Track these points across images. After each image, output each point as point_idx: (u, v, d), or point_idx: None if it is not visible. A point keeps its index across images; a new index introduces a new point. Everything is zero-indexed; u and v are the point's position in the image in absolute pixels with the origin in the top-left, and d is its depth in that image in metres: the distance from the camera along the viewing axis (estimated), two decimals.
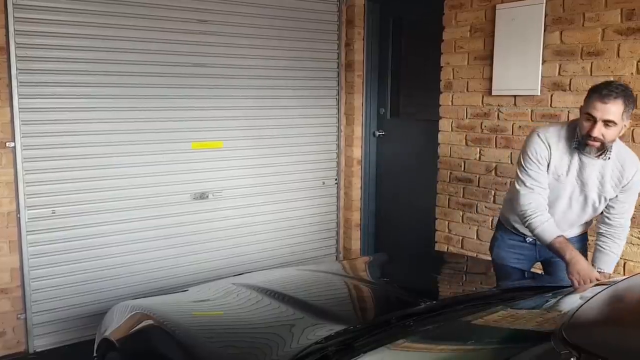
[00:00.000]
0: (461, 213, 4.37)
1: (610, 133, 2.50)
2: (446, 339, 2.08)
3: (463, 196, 4.34)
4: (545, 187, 2.69)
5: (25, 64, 3.61)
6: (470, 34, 4.14)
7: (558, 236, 2.63)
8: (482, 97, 4.12)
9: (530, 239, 2.89)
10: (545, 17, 3.69)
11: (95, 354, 2.70)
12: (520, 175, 2.73)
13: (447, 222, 4.49)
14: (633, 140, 3.35)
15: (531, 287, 2.65)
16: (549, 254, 2.81)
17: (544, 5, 3.68)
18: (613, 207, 2.74)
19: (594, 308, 1.86)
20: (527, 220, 2.70)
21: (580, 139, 2.58)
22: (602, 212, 2.81)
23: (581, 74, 3.56)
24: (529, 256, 2.97)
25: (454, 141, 4.35)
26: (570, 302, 2.03)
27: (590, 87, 2.68)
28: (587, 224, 3.00)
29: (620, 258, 3.42)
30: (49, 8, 3.64)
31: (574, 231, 2.93)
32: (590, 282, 2.53)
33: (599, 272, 2.70)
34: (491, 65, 3.99)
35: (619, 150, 2.66)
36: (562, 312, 1.98)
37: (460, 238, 4.38)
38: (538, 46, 3.68)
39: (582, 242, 3.00)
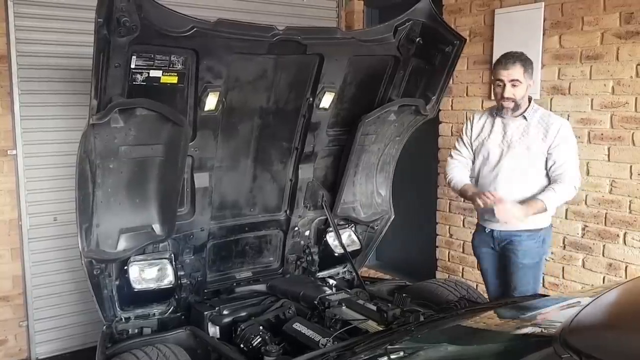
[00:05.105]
0: (462, 217, 4.37)
1: (518, 91, 3.02)
2: (448, 343, 2.08)
3: (464, 200, 4.33)
4: (466, 156, 3.30)
5: (26, 72, 3.62)
6: (470, 38, 4.14)
7: (465, 184, 3.23)
8: (482, 101, 4.13)
9: (488, 230, 3.23)
10: (544, 21, 3.70)
11: None
12: (451, 150, 3.43)
13: (448, 227, 4.48)
14: (633, 144, 3.36)
15: None
16: (503, 240, 3.15)
17: (543, 9, 3.70)
18: (550, 164, 3.05)
19: (595, 312, 1.86)
20: (448, 180, 3.33)
21: (498, 104, 3.13)
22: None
23: (580, 77, 3.56)
24: (488, 242, 3.26)
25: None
26: (571, 307, 2.03)
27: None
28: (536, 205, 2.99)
29: (622, 261, 3.44)
30: (51, 16, 3.66)
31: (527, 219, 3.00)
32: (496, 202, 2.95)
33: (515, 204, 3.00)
34: (490, 69, 3.98)
35: (543, 114, 3.10)
36: (563, 316, 1.98)
37: (462, 242, 4.38)
38: (537, 50, 3.69)
39: (535, 239, 3.11)
